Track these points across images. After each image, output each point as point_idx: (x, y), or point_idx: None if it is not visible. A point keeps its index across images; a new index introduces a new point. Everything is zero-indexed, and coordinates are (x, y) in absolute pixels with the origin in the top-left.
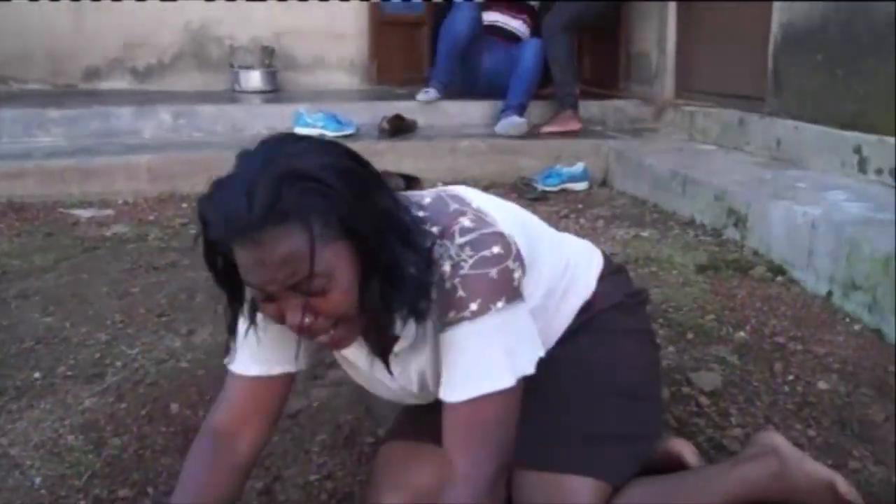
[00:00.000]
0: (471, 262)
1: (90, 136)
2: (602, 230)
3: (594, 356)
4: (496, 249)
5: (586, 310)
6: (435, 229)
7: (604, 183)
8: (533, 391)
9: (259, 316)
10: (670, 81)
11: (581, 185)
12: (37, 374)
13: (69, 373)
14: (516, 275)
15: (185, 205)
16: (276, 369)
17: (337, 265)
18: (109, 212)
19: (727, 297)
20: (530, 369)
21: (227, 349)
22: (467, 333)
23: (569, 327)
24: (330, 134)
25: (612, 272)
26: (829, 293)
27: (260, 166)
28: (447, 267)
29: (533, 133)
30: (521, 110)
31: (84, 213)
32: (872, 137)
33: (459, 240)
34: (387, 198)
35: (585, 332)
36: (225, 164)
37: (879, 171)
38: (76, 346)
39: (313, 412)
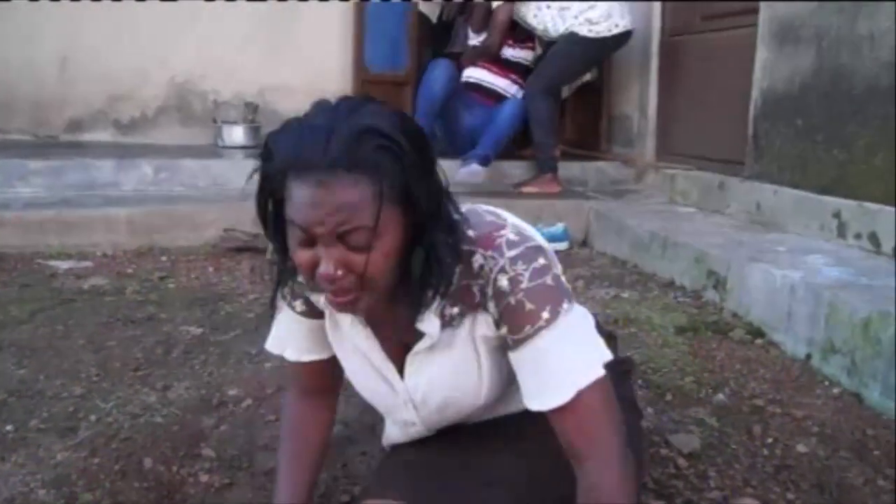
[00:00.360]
0: (527, 275)
1: (71, 188)
2: (582, 290)
3: None
4: (542, 261)
5: None
6: (471, 233)
7: (584, 243)
8: (506, 450)
9: (291, 312)
10: (651, 144)
11: (562, 245)
12: (9, 427)
13: (42, 426)
14: (563, 279)
15: (164, 258)
16: (324, 354)
17: (388, 227)
18: (88, 264)
19: (706, 358)
20: (608, 354)
21: (271, 303)
22: (548, 340)
23: None
24: None
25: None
26: (808, 356)
27: (343, 114)
28: (505, 282)
29: (512, 192)
30: (484, 160)
31: (62, 265)
32: (852, 202)
33: (509, 253)
34: (442, 182)
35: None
36: (205, 218)
37: (858, 236)
38: (50, 399)
39: None
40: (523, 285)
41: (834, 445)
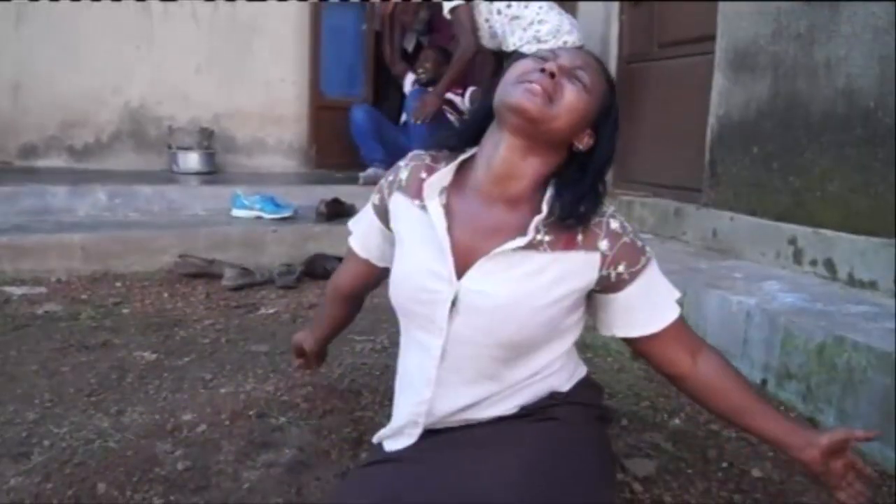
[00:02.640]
0: (627, 226)
1: (24, 214)
2: None
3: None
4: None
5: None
6: None
7: None
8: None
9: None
10: (608, 171)
11: None
12: None
13: None
14: None
15: (118, 284)
16: (370, 258)
17: (588, 106)
18: (42, 290)
19: (662, 384)
20: None
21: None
22: (654, 268)
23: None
24: (267, 216)
25: (590, 385)
26: (764, 381)
27: None
28: (617, 225)
29: None
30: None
31: (16, 291)
32: (807, 229)
33: (611, 209)
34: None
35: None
36: (160, 244)
37: (814, 263)
38: (3, 425)
39: (243, 495)
40: (629, 229)
41: (789, 469)
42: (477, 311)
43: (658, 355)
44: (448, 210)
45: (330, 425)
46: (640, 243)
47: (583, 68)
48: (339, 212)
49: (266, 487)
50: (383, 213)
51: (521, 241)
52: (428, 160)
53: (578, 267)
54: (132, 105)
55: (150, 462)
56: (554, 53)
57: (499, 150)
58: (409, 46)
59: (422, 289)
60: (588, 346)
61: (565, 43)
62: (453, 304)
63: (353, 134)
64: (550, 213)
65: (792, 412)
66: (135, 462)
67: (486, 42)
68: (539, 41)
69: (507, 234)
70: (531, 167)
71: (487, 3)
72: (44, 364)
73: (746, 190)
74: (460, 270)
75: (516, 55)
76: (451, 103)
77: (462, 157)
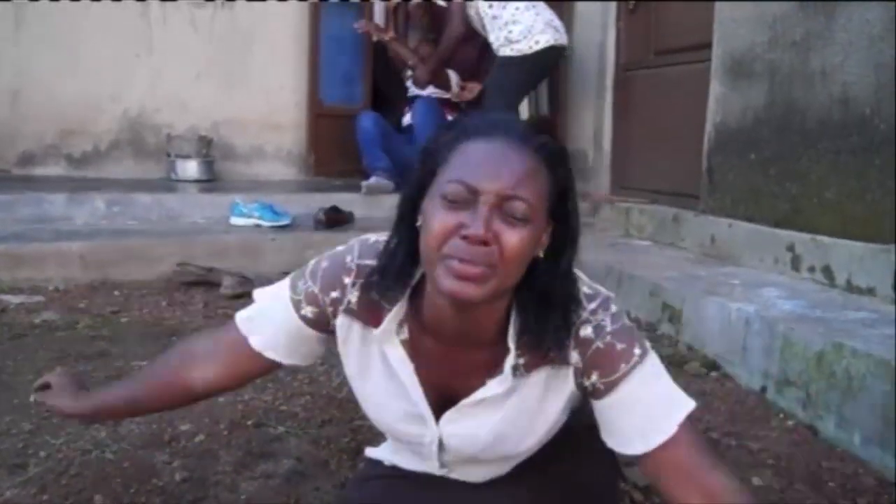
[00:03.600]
0: (609, 320)
1: (22, 222)
2: None
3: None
4: (615, 307)
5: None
6: None
7: None
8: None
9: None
10: (606, 178)
11: None
12: None
13: None
14: None
15: (116, 293)
16: (286, 360)
17: (540, 219)
18: (40, 298)
19: None
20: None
21: (379, 275)
22: (645, 375)
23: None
24: (266, 224)
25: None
26: (763, 389)
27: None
28: (589, 330)
29: None
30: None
31: (13, 300)
32: (805, 236)
33: (590, 305)
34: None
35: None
36: (158, 252)
37: (812, 269)
38: None
39: None
40: (608, 329)
41: (789, 478)
42: (466, 449)
43: (655, 482)
44: (411, 346)
45: (328, 435)
46: (620, 346)
47: (513, 192)
48: (337, 220)
49: (264, 498)
50: (321, 327)
51: (498, 388)
52: (376, 277)
53: (556, 381)
54: (131, 113)
55: (148, 473)
56: (469, 187)
57: (445, 312)
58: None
59: (402, 432)
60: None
61: (537, 42)
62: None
63: (360, 141)
64: (520, 347)
65: (791, 419)
66: (132, 473)
67: (480, 31)
68: (511, 42)
69: (480, 372)
70: (488, 317)
71: (473, 2)
72: (41, 374)
73: (744, 196)
74: (438, 409)
75: (499, 61)
76: (452, 105)
77: (412, 282)
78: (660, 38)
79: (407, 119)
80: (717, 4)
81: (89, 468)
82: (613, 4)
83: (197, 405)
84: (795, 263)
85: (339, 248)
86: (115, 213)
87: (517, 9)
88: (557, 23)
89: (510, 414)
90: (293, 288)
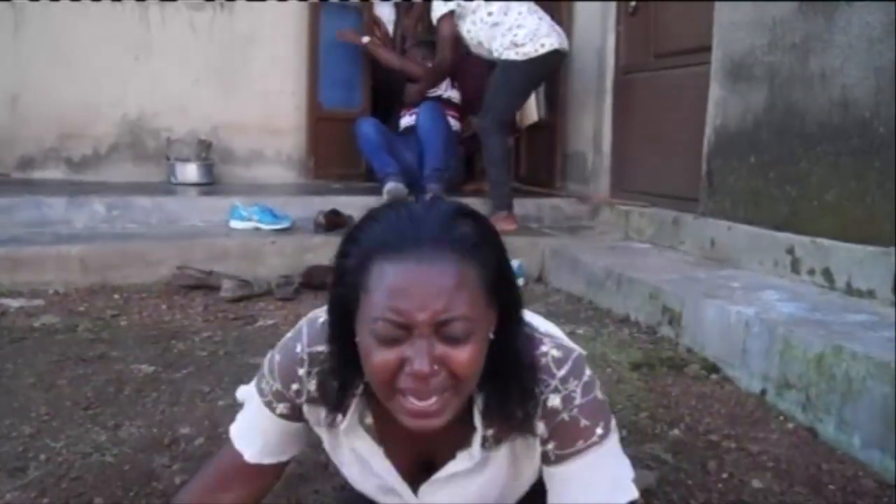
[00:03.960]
0: (579, 391)
1: (22, 226)
2: None
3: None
4: (588, 371)
5: None
6: None
7: (539, 279)
8: None
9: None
10: (606, 181)
11: (517, 282)
12: None
13: None
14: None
15: (116, 296)
16: (287, 455)
17: (483, 320)
18: (39, 302)
19: (661, 394)
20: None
21: (331, 421)
22: (599, 456)
23: None
24: (265, 227)
25: None
26: (763, 391)
27: (427, 202)
28: (557, 401)
29: None
30: (437, 176)
31: (13, 303)
32: (805, 238)
33: (560, 372)
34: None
35: None
36: (158, 255)
37: (812, 272)
38: None
39: None
40: (577, 401)
41: (789, 480)
42: None
43: None
44: (378, 429)
45: None
46: (584, 422)
47: (447, 314)
48: (337, 223)
49: (264, 501)
50: (297, 416)
51: (468, 462)
52: (330, 363)
53: (526, 450)
54: (130, 117)
55: (148, 476)
56: (400, 323)
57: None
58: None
59: (383, 501)
60: (587, 356)
61: (542, 45)
62: None
63: (363, 148)
64: (486, 422)
65: (791, 422)
66: (132, 476)
67: (474, 49)
68: (516, 45)
69: (450, 445)
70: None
71: (471, 14)
72: (41, 377)
73: (744, 199)
74: (416, 474)
75: (502, 64)
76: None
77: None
78: (659, 40)
79: (405, 121)
80: (717, 7)
81: (89, 471)
82: (613, 7)
83: (197, 408)
84: (795, 266)
85: (289, 334)
86: (114, 216)
87: (520, 13)
88: (559, 28)
89: (486, 483)
90: (261, 392)
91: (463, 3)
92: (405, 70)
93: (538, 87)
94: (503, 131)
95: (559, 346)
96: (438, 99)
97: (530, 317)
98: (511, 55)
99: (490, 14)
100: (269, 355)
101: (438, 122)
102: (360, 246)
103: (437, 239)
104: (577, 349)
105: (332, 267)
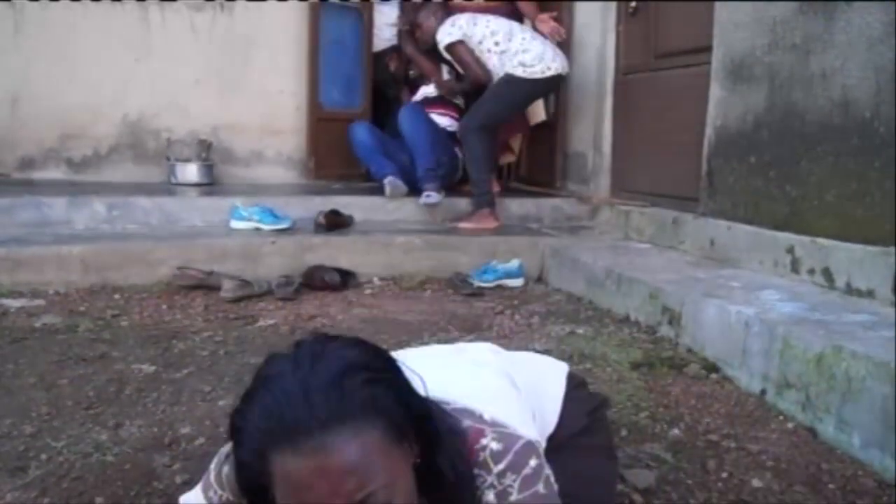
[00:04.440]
0: (517, 486)
1: (22, 226)
2: (537, 326)
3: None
4: (533, 462)
5: (551, 439)
6: None
7: (539, 279)
8: None
9: None
10: (606, 181)
11: (517, 282)
12: None
13: None
14: (549, 473)
15: (116, 296)
16: None
17: (401, 470)
18: (40, 302)
19: (661, 394)
20: None
21: None
22: None
23: None
24: (266, 227)
25: (574, 387)
26: (763, 391)
27: (308, 364)
28: (492, 497)
29: (449, 228)
30: (429, 179)
31: (14, 304)
32: (805, 238)
33: (497, 467)
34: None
35: (552, 457)
36: (158, 255)
37: (812, 272)
38: (0, 439)
39: None
40: (512, 497)
41: (789, 480)
42: None
43: None
44: None
45: None
46: None
47: (362, 493)
48: (337, 223)
49: None
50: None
51: None
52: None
53: None
54: (130, 117)
55: (149, 476)
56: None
57: None
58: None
59: None
60: (587, 356)
61: (549, 69)
62: None
63: (359, 154)
64: None
65: (791, 422)
66: (133, 476)
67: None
68: (525, 65)
69: None
70: None
71: (477, 45)
72: (42, 377)
73: (744, 199)
74: None
75: (506, 77)
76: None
77: None
78: (660, 41)
79: (444, 122)
80: (717, 7)
81: (90, 471)
82: (613, 7)
83: (197, 408)
84: (795, 266)
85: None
86: (115, 216)
87: (524, 38)
88: (561, 53)
89: None
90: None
91: (468, 33)
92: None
93: (529, 104)
94: (486, 133)
95: (501, 437)
96: (424, 100)
97: (471, 393)
98: (518, 72)
99: (497, 44)
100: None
101: (419, 124)
102: (250, 434)
103: (326, 421)
104: (524, 437)
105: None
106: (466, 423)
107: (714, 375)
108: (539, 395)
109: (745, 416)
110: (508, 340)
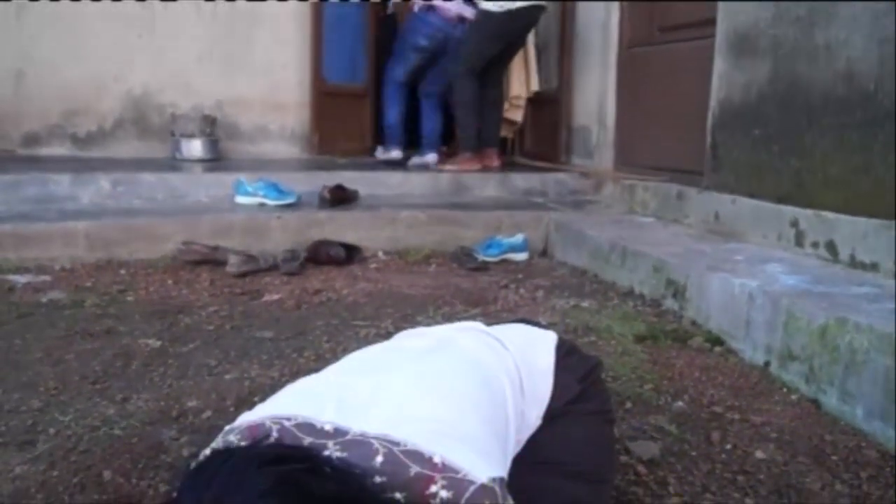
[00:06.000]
0: None
1: (28, 202)
2: (542, 300)
3: (552, 450)
4: None
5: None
6: (399, 496)
7: (544, 253)
8: None
9: None
10: (610, 155)
11: (521, 256)
12: None
13: (0, 439)
14: None
15: (122, 271)
16: None
17: None
18: (46, 278)
19: (666, 366)
20: None
21: None
22: None
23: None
24: (271, 202)
25: (564, 356)
26: (767, 363)
27: (234, 480)
28: None
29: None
30: (431, 151)
31: (20, 279)
32: (809, 211)
33: None
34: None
35: (546, 427)
36: (164, 231)
37: (816, 245)
38: (7, 413)
39: None
40: None
41: (792, 451)
42: None
43: None
44: None
45: None
46: None
47: None
48: (342, 198)
49: None
50: None
51: None
52: None
53: None
54: (135, 93)
55: (156, 449)
56: None
57: None
58: None
59: None
60: (591, 329)
61: None
62: None
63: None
64: None
65: (794, 394)
66: (140, 449)
67: None
68: None
69: None
70: None
71: None
72: (48, 352)
73: (748, 173)
74: None
75: (481, 14)
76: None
77: None
78: (663, 14)
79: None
80: None
81: (98, 445)
82: None
83: (204, 381)
84: (799, 239)
85: None
86: (120, 192)
87: None
88: None
89: None
90: None
91: None
92: None
93: (513, 44)
94: (473, 76)
95: (451, 485)
96: None
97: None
98: (490, 6)
99: None
100: None
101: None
102: None
103: None
104: (476, 482)
105: None
106: (415, 470)
107: (718, 348)
108: (531, 372)
109: (748, 388)
110: (513, 314)
